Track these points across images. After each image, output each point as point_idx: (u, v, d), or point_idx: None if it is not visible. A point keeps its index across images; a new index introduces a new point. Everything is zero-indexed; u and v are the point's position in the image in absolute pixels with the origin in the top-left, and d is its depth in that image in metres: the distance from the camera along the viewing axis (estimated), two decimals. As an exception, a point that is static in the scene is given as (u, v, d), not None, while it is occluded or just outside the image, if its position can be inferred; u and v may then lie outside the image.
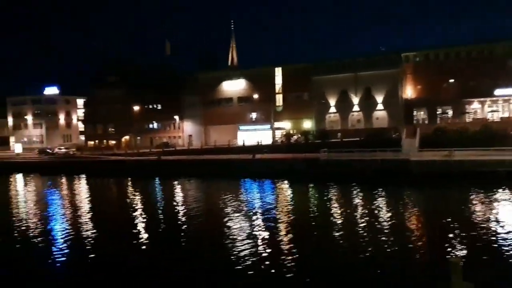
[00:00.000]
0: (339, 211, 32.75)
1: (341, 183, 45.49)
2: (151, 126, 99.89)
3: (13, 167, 78.04)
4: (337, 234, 25.98)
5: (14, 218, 34.25)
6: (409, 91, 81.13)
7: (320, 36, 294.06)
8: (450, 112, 78.81)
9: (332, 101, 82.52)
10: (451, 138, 56.75)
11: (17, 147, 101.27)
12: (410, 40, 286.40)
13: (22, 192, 51.58)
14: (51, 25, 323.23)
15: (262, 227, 28.09)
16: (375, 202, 35.92)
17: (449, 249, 21.88)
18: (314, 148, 59.29)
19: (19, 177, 68.42)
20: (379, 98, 79.37)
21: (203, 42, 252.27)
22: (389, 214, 31.15)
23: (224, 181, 51.79)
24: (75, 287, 18.88)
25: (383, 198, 37.74)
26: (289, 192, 44.59)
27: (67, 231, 29.17)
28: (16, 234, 28.69)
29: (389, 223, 28.47)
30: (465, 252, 21.34)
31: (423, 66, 80.00)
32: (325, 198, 38.96)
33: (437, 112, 79.29)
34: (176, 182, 52.98)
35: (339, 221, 29.30)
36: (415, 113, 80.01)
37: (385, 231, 26.29)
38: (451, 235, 24.50)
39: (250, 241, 24.38)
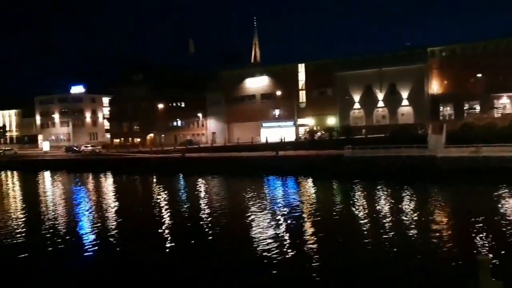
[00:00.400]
0: (364, 208, 32.50)
1: (366, 180, 45.12)
2: (175, 124, 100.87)
3: (41, 165, 79.95)
4: (362, 231, 25.81)
5: (42, 215, 35.13)
6: (435, 86, 79.75)
7: (344, 31, 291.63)
8: (477, 107, 77.19)
9: (356, 97, 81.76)
10: (479, 134, 55.60)
11: (45, 145, 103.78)
12: (435, 35, 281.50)
13: (50, 189, 52.75)
14: (75, 24, 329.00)
15: (286, 225, 28.09)
16: (401, 199, 35.53)
17: (477, 247, 21.54)
18: (338, 144, 58.89)
19: (47, 175, 69.99)
20: (405, 94, 78.28)
21: (226, 39, 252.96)
22: (415, 211, 30.78)
23: (248, 178, 51.94)
24: (100, 282, 19.25)
25: (409, 195, 37.28)
26: (313, 189, 44.46)
27: (94, 227, 29.77)
28: (44, 231, 29.39)
29: (415, 220, 28.15)
30: (493, 249, 20.96)
31: (449, 60, 78.48)
32: (350, 195, 38.68)
33: (464, 108, 77.80)
34: (199, 180, 53.38)
35: (364, 219, 29.08)
36: (441, 108, 78.63)
37: (411, 228, 26.01)
38: (478, 232, 24.08)
39: (274, 239, 24.42)
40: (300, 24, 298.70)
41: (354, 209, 32.56)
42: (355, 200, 36.40)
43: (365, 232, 25.55)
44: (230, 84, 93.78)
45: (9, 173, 76.75)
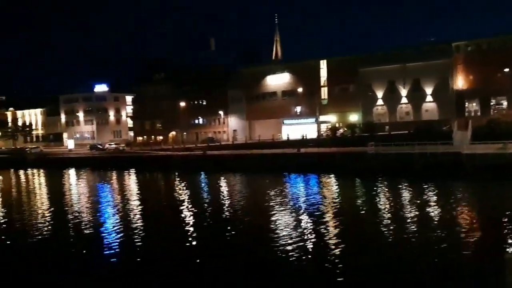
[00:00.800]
0: (387, 206, 32.15)
1: (389, 177, 44.64)
2: (196, 121, 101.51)
3: (66, 162, 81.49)
4: (385, 230, 25.53)
5: (67, 211, 35.87)
6: (460, 82, 78.25)
7: (366, 27, 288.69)
8: (504, 103, 75.48)
9: (379, 93, 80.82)
10: (506, 130, 54.36)
11: (69, 143, 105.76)
12: (461, 29, 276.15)
13: (75, 186, 53.72)
14: (97, 24, 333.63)
15: (308, 222, 27.99)
16: (425, 196, 35.04)
17: (504, 245, 21.08)
18: (360, 141, 58.36)
19: (72, 172, 71.32)
20: (429, 90, 77.03)
21: (247, 37, 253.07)
22: (440, 209, 30.31)
23: (269, 175, 51.94)
24: (123, 278, 19.49)
25: (434, 193, 36.73)
26: (335, 186, 44.19)
27: (118, 223, 30.21)
28: (69, 227, 29.98)
29: (440, 218, 27.73)
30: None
31: (475, 55, 76.82)
32: (373, 192, 38.32)
33: (491, 103, 76.16)
34: (221, 177, 53.58)
35: (387, 217, 28.75)
36: (467, 104, 77.12)
37: (436, 226, 25.63)
38: (505, 231, 23.58)
39: (296, 237, 24.35)
40: (322, 20, 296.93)
41: (377, 207, 32.24)
42: (378, 197, 36.04)
43: (388, 231, 25.26)
44: (251, 82, 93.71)
45: (35, 170, 78.41)
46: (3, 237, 28.34)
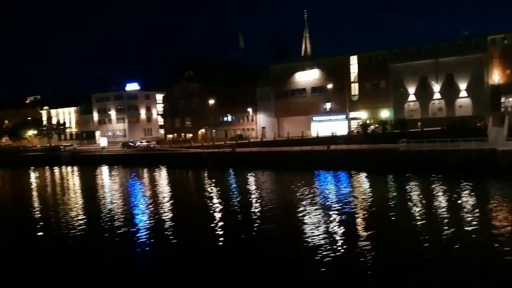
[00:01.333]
0: (419, 204, 31.59)
1: (421, 174, 43.86)
2: (225, 119, 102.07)
3: (99, 160, 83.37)
4: (418, 228, 25.12)
5: (101, 207, 36.75)
6: (496, 77, 76.11)
7: (396, 21, 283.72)
8: (543, 98, 72.97)
9: (411, 89, 79.37)
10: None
11: (102, 141, 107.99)
12: (496, 22, 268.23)
13: (108, 183, 54.84)
14: (127, 24, 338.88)
15: (338, 220, 27.79)
16: (459, 194, 34.28)
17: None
18: (392, 138, 57.52)
19: (104, 169, 72.78)
20: (463, 85, 75.20)
21: (276, 33, 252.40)
22: (474, 207, 29.59)
23: (298, 173, 51.77)
24: (155, 273, 19.78)
25: (467, 190, 35.88)
26: (366, 184, 43.70)
27: (149, 219, 30.75)
28: (103, 222, 30.68)
29: (474, 216, 27.07)
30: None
31: (512, 49, 74.56)
32: (405, 190, 37.72)
33: (529, 98, 73.77)
34: (250, 174, 53.72)
35: (420, 215, 28.26)
36: (503, 99, 74.81)
37: (470, 225, 25.04)
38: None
39: (326, 234, 24.25)
40: (351, 14, 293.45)
41: (409, 205, 31.73)
42: (411, 195, 35.45)
43: (421, 230, 24.85)
44: (280, 78, 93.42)
45: (69, 168, 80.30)
46: (41, 232, 29.30)
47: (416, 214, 28.44)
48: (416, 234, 23.79)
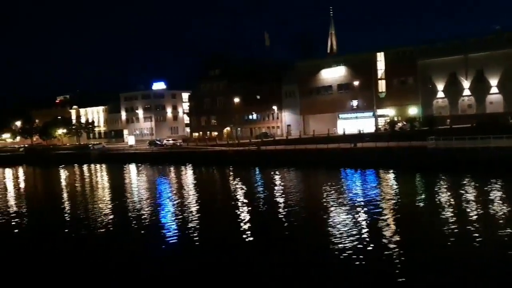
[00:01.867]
0: (450, 204, 30.70)
1: (451, 173, 42.81)
2: (250, 117, 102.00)
3: (127, 158, 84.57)
4: (448, 228, 24.33)
5: (129, 205, 37.10)
6: (529, 72, 73.73)
7: (424, 17, 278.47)
8: None
9: (440, 86, 77.60)
10: None
11: (130, 139, 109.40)
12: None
13: (135, 180, 55.38)
14: (152, 24, 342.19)
15: (366, 220, 27.23)
16: (489, 193, 33.20)
17: None
18: (420, 135, 56.29)
19: (132, 167, 73.61)
20: (493, 81, 73.12)
21: (303, 31, 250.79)
22: (505, 207, 28.59)
23: (324, 171, 51.20)
24: (179, 271, 19.73)
25: (498, 189, 34.72)
26: (394, 182, 42.85)
27: (175, 217, 30.88)
28: (131, 219, 30.92)
29: (506, 217, 26.13)
30: None
31: (546, 42, 72.00)
32: (434, 189, 36.75)
33: None
34: (275, 172, 53.38)
35: (450, 215, 27.40)
36: (536, 95, 72.59)
37: (502, 227, 24.16)
38: None
39: (352, 234, 23.76)
40: (378, 11, 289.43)
41: (439, 204, 30.89)
42: (440, 194, 34.54)
43: (451, 230, 24.06)
44: (306, 76, 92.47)
45: (98, 165, 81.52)
46: (70, 227, 29.81)
47: (446, 214, 27.58)
48: (445, 234, 23.06)
